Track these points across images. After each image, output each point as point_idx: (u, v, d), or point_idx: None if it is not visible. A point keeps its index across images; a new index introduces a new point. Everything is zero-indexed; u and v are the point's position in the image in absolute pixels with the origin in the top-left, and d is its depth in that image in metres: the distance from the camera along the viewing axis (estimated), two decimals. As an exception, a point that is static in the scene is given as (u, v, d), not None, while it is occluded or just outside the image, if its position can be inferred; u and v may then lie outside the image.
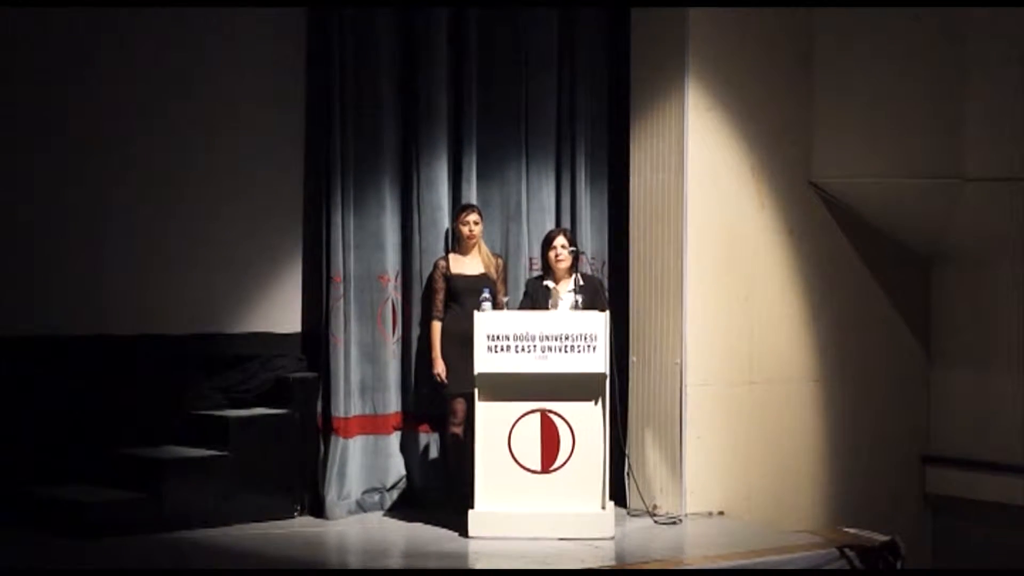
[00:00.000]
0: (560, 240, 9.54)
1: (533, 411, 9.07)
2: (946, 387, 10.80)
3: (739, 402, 10.05)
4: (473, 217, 9.69)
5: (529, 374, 9.03)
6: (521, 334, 9.02)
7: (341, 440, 9.66)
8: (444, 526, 9.24)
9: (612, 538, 8.98)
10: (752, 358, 10.11)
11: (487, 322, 9.07)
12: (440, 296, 9.62)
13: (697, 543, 9.23)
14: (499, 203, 10.15)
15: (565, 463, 9.07)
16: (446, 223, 9.94)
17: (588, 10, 10.32)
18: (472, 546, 8.86)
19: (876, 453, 10.59)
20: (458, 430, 9.53)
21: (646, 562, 8.54)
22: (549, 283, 9.51)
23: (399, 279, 9.94)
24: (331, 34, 9.71)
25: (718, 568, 8.49)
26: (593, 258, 10.22)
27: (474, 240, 9.69)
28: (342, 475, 9.65)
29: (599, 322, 9.06)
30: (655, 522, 9.65)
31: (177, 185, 9.48)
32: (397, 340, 9.91)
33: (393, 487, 9.88)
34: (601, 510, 9.04)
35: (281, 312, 9.84)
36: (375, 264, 9.85)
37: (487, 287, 9.35)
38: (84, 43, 9.18)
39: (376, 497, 9.82)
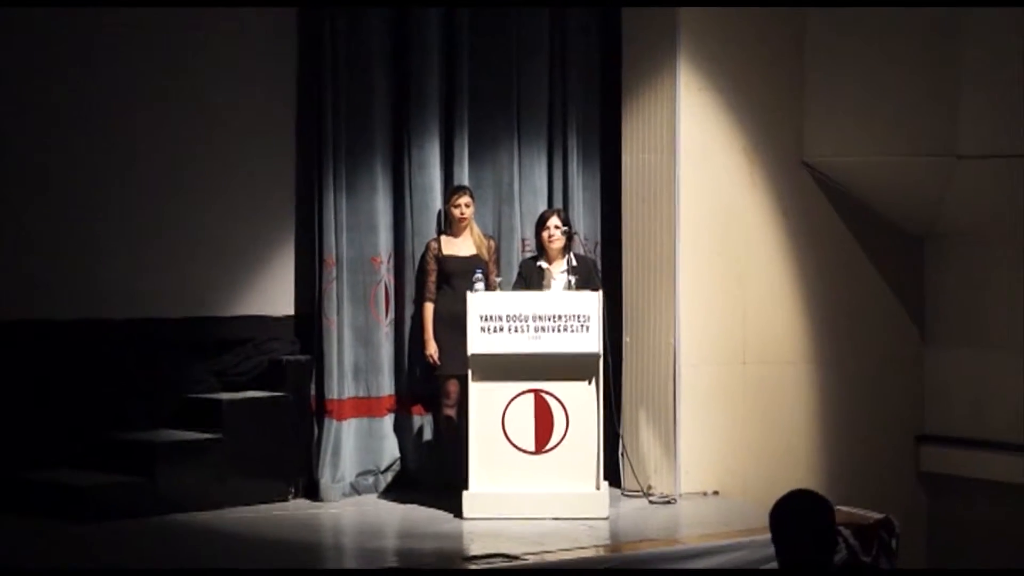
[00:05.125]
0: (554, 220, 9.51)
1: (527, 391, 9.05)
2: (941, 366, 10.78)
3: (733, 382, 10.04)
4: (465, 199, 9.66)
5: (522, 354, 9.00)
6: (514, 314, 9.00)
7: (335, 422, 9.65)
8: (438, 507, 9.24)
9: (607, 518, 8.97)
10: (746, 338, 10.09)
11: (480, 303, 9.05)
12: (432, 278, 9.60)
13: (692, 522, 9.21)
14: (491, 184, 10.13)
15: (559, 443, 9.05)
16: (438, 205, 9.92)
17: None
18: (466, 527, 8.84)
19: (871, 432, 10.57)
20: (451, 411, 9.50)
21: (640, 541, 8.54)
22: (542, 264, 9.50)
23: (391, 261, 9.93)
24: (323, 17, 9.68)
25: (713, 547, 8.47)
26: (586, 239, 10.20)
27: (466, 222, 9.67)
28: (336, 457, 9.63)
29: (592, 302, 9.04)
30: (650, 502, 9.64)
31: (170, 169, 9.46)
32: (390, 322, 9.90)
33: (387, 469, 9.87)
34: (595, 490, 9.02)
35: (274, 295, 9.83)
36: (368, 246, 9.83)
37: (479, 268, 9.34)
38: (82, 39, 9.16)
39: (370, 479, 9.81)
